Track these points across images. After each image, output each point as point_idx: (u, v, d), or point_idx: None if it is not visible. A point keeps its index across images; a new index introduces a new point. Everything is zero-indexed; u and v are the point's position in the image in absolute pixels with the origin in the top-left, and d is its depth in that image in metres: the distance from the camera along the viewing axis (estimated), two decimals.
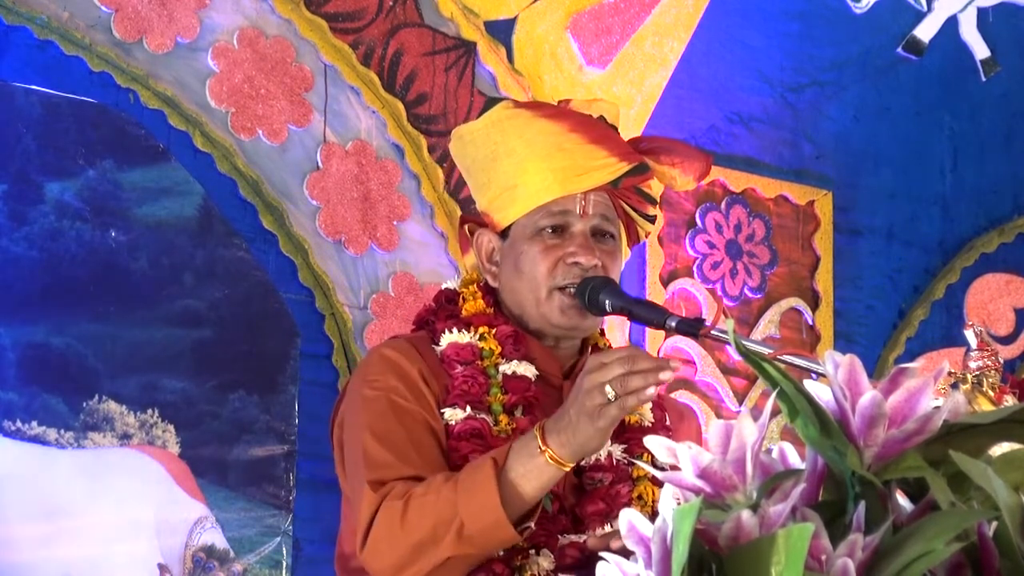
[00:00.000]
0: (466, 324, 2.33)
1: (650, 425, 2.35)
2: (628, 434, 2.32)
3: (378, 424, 2.22)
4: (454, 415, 2.23)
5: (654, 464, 2.22)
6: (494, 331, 2.32)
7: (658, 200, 2.45)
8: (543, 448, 2.06)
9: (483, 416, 2.23)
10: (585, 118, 2.38)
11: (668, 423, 2.40)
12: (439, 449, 2.23)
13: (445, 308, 2.37)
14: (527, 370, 2.29)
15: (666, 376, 2.02)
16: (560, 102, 2.51)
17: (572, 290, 2.29)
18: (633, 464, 2.29)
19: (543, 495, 2.10)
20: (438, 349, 2.31)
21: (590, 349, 2.40)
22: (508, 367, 2.28)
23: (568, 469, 2.08)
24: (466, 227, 2.46)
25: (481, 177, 2.38)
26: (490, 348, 2.30)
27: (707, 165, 2.41)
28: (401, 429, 2.22)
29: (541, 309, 2.30)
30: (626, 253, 2.42)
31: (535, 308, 2.31)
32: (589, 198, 2.33)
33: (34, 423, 3.42)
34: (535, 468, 2.06)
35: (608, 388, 2.01)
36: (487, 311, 2.35)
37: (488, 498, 2.05)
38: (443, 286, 2.43)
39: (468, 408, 2.23)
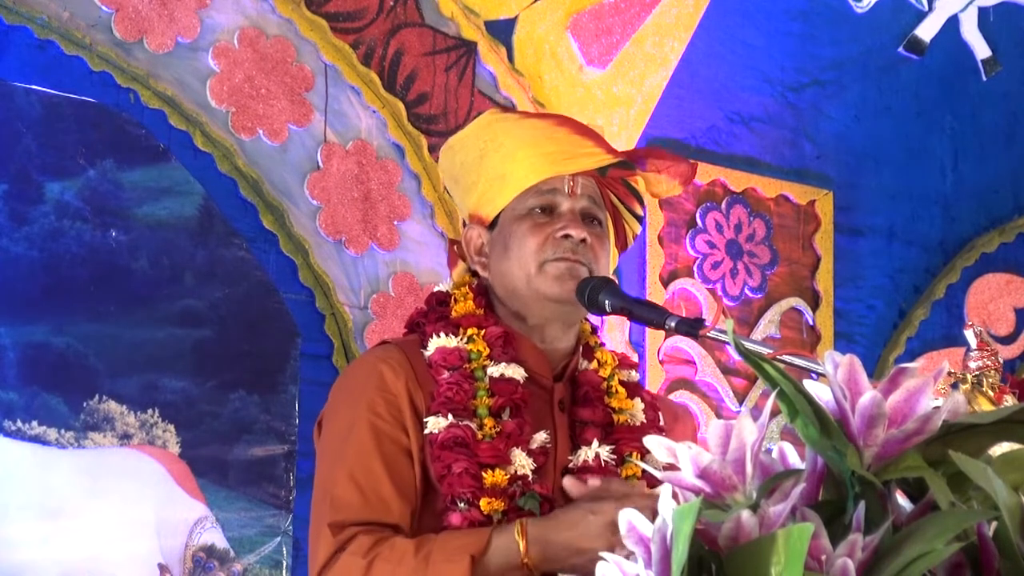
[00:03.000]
0: (455, 326, 2.33)
1: (640, 425, 2.35)
2: (617, 434, 2.32)
3: (353, 454, 2.23)
4: (437, 424, 2.23)
5: (644, 470, 2.24)
6: (483, 332, 2.32)
7: (643, 198, 2.46)
8: (524, 559, 2.10)
9: (466, 423, 2.23)
10: (570, 118, 2.44)
11: (661, 423, 2.40)
12: (413, 477, 2.23)
13: (436, 310, 2.37)
14: (515, 372, 2.28)
15: None
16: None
17: (567, 261, 2.28)
18: (621, 464, 2.30)
19: None
20: (426, 354, 2.31)
21: (581, 349, 2.40)
22: (496, 370, 2.28)
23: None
24: (456, 248, 2.47)
25: (469, 177, 2.39)
26: (478, 350, 2.30)
27: (692, 170, 2.44)
28: (377, 459, 2.22)
29: (533, 285, 2.30)
30: (614, 256, 2.42)
31: (526, 286, 2.31)
32: (578, 180, 2.35)
33: (34, 423, 3.42)
34: (509, 569, 2.10)
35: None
36: (477, 312, 2.35)
37: None
38: (435, 288, 2.43)
39: (450, 416, 2.23)
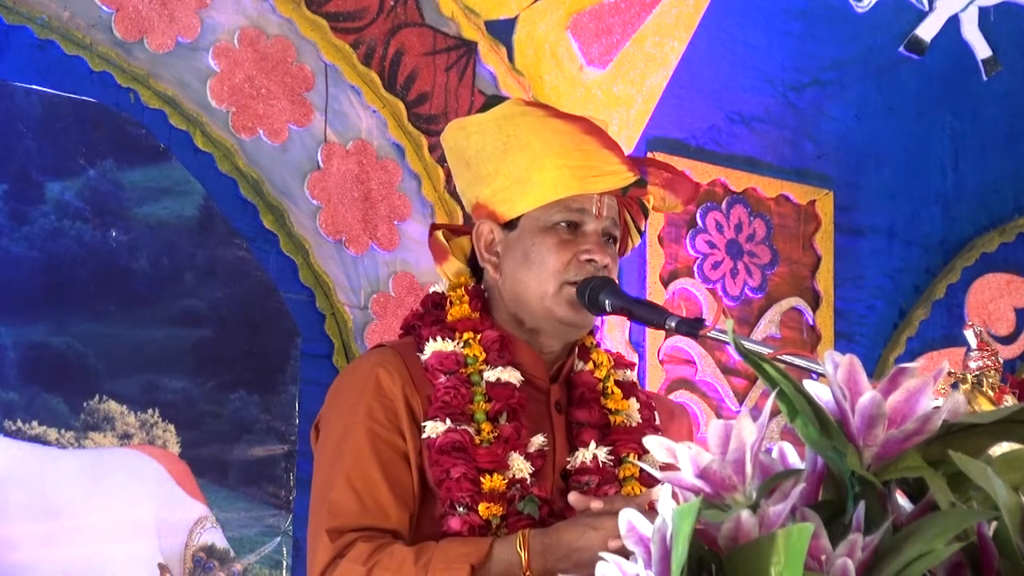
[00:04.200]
0: (451, 330, 2.32)
1: (637, 426, 2.35)
2: (614, 435, 2.32)
3: (350, 460, 2.23)
4: (435, 428, 2.23)
5: (641, 469, 2.24)
6: (479, 337, 2.31)
7: (649, 214, 2.48)
8: (525, 571, 2.10)
9: (464, 427, 2.23)
10: (594, 124, 2.40)
11: (657, 423, 2.40)
12: (410, 482, 2.23)
13: (432, 313, 2.37)
14: (511, 376, 2.28)
15: None
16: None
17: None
18: (618, 465, 2.30)
19: None
20: (423, 358, 2.30)
21: (577, 351, 2.40)
22: (492, 374, 2.28)
23: None
24: (439, 234, 2.45)
25: (486, 168, 2.37)
26: (474, 355, 2.29)
27: (695, 192, 2.46)
28: (375, 465, 2.22)
29: (546, 302, 2.30)
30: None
31: (539, 301, 2.31)
32: (603, 200, 2.35)
33: (35, 423, 3.42)
34: None
35: None
36: (473, 316, 2.34)
37: None
38: (431, 290, 2.42)
39: (448, 421, 2.23)
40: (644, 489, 2.27)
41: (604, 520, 2.07)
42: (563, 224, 2.32)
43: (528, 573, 2.09)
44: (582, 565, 2.06)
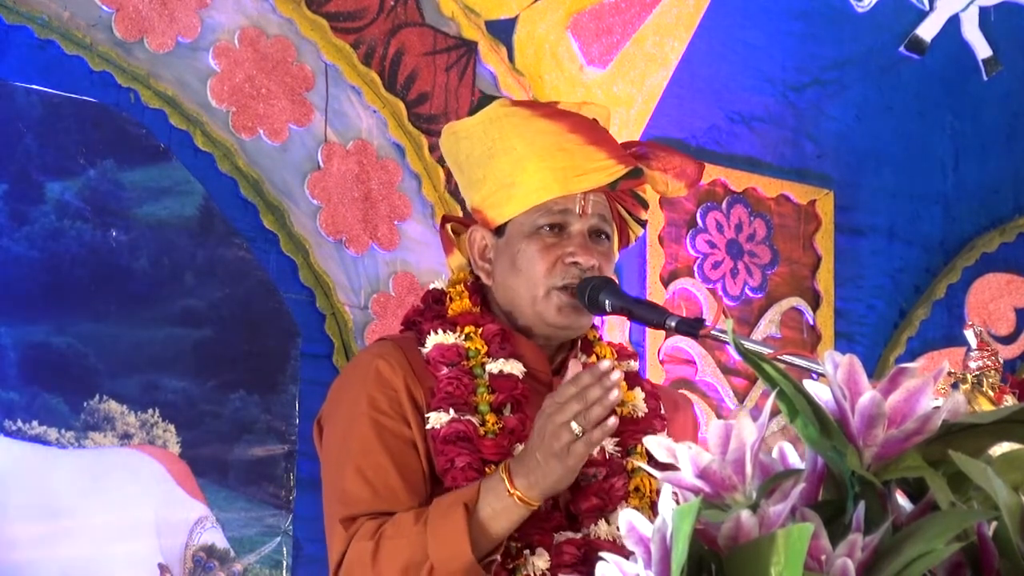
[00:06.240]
0: (452, 324, 2.32)
1: (643, 416, 2.34)
2: (621, 427, 2.32)
3: (358, 450, 2.23)
4: (439, 419, 2.23)
5: (649, 457, 2.24)
6: (480, 330, 2.31)
7: (649, 205, 2.46)
8: (511, 491, 2.10)
9: (468, 418, 2.23)
10: (582, 119, 2.38)
11: (663, 413, 2.40)
12: (419, 468, 2.23)
13: (432, 308, 2.37)
14: (514, 368, 2.28)
15: (614, 396, 2.07)
16: (549, 104, 2.51)
17: (571, 289, 2.29)
18: (627, 456, 2.30)
19: (511, 531, 2.14)
20: (424, 351, 2.31)
21: (579, 344, 2.40)
22: (494, 366, 2.28)
23: (536, 507, 2.12)
24: (448, 227, 2.45)
25: (476, 173, 2.37)
26: (476, 348, 2.30)
27: (699, 172, 2.42)
28: (382, 453, 2.22)
29: (537, 308, 2.30)
30: (615, 255, 2.42)
31: (531, 307, 2.31)
32: (588, 198, 2.32)
33: (35, 423, 3.42)
34: (504, 509, 2.11)
35: (574, 424, 2.06)
36: (473, 310, 2.34)
37: (459, 545, 2.09)
38: (431, 286, 2.42)
39: (452, 411, 2.23)
40: (653, 480, 2.28)
41: (547, 409, 2.08)
42: (547, 228, 2.31)
43: (516, 493, 2.09)
44: (551, 457, 2.07)
